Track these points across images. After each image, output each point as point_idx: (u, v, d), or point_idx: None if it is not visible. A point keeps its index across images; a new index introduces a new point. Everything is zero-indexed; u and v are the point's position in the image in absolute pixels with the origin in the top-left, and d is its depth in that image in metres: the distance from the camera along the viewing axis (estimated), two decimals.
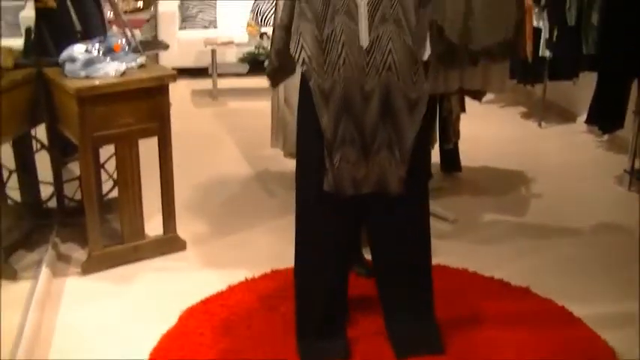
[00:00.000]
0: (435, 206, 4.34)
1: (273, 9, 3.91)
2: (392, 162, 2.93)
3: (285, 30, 3.00)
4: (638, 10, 4.86)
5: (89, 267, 3.80)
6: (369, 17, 2.83)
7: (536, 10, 5.80)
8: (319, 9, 2.84)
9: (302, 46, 2.90)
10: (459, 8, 4.01)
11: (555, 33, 5.76)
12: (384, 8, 2.83)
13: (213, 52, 7.33)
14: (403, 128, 2.93)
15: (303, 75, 2.94)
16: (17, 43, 4.19)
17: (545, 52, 5.89)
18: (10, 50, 3.82)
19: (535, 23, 5.80)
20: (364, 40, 2.84)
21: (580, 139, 6.09)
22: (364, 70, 2.86)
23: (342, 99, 2.87)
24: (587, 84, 5.69)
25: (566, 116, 6.57)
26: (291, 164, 4.08)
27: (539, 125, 6.44)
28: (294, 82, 3.69)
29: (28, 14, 6.51)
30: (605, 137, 5.94)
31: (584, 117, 5.82)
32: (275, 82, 3.38)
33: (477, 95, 4.67)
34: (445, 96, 4.61)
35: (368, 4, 2.83)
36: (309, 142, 3.04)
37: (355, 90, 2.87)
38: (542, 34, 5.87)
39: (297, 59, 2.92)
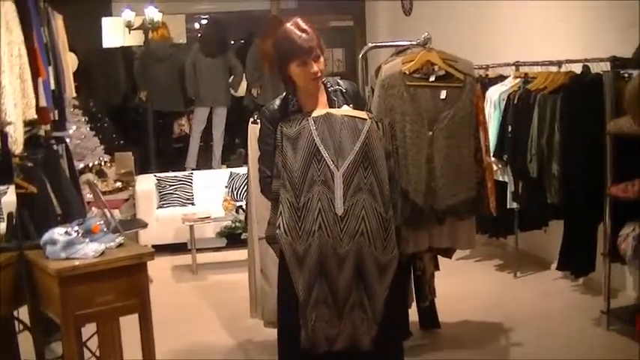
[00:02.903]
0: None
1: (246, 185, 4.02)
2: (364, 321, 3.04)
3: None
4: (595, 159, 5.05)
5: None
6: (344, 187, 3.01)
7: (500, 165, 6.03)
8: (297, 179, 3.02)
9: (281, 213, 3.07)
10: (422, 171, 4.20)
11: (520, 185, 5.94)
12: (358, 178, 3.02)
13: (191, 227, 7.36)
14: (374, 290, 3.06)
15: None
16: None
17: (512, 205, 6.05)
18: None
19: (500, 177, 6.00)
20: (339, 208, 3.01)
21: (555, 286, 6.16)
22: (339, 236, 3.01)
23: (316, 262, 3.00)
24: (558, 231, 5.81)
25: (540, 264, 6.65)
26: (271, 333, 4.12)
27: (515, 275, 6.49)
28: (269, 253, 3.81)
29: (9, 199, 6.65)
30: (580, 281, 6.01)
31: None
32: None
33: (447, 253, 4.75)
34: (417, 255, 4.67)
35: (344, 174, 3.01)
36: (287, 306, 3.14)
37: (330, 254, 3.01)
38: (508, 187, 6.04)
39: (277, 225, 3.08)
